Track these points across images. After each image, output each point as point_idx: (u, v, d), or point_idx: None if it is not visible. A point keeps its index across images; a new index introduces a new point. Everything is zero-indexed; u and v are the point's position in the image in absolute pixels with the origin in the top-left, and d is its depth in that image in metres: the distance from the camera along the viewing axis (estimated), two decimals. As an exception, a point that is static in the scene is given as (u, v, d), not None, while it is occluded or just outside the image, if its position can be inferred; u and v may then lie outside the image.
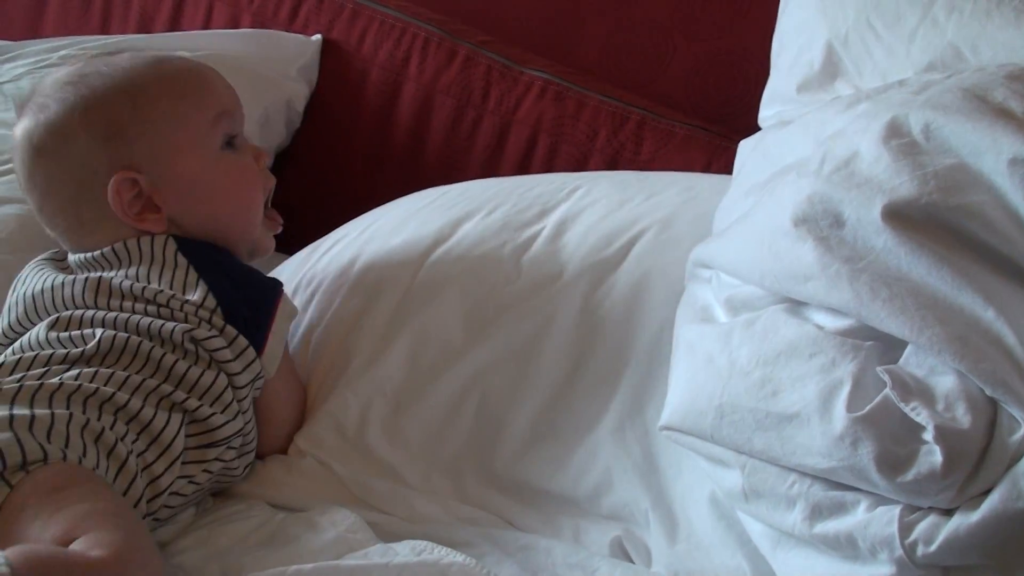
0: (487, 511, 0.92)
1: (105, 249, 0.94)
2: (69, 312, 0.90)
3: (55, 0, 1.65)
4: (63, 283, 0.92)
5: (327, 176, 1.48)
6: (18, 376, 0.82)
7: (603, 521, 0.88)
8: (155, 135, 0.95)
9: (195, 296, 0.91)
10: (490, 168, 1.40)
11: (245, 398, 0.92)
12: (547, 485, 0.91)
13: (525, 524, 0.90)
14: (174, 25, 1.58)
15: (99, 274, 0.92)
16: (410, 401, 0.97)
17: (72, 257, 0.98)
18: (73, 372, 0.82)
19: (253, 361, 0.92)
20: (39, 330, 0.89)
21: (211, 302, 0.91)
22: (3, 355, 0.89)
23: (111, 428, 0.79)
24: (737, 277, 0.77)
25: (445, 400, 0.96)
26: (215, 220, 0.98)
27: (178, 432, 0.84)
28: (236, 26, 1.54)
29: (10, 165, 1.20)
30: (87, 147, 0.94)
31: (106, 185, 0.93)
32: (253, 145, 1.04)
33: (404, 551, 0.77)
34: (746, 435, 0.70)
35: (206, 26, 1.56)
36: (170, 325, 0.88)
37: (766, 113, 1.00)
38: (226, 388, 0.90)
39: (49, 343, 0.87)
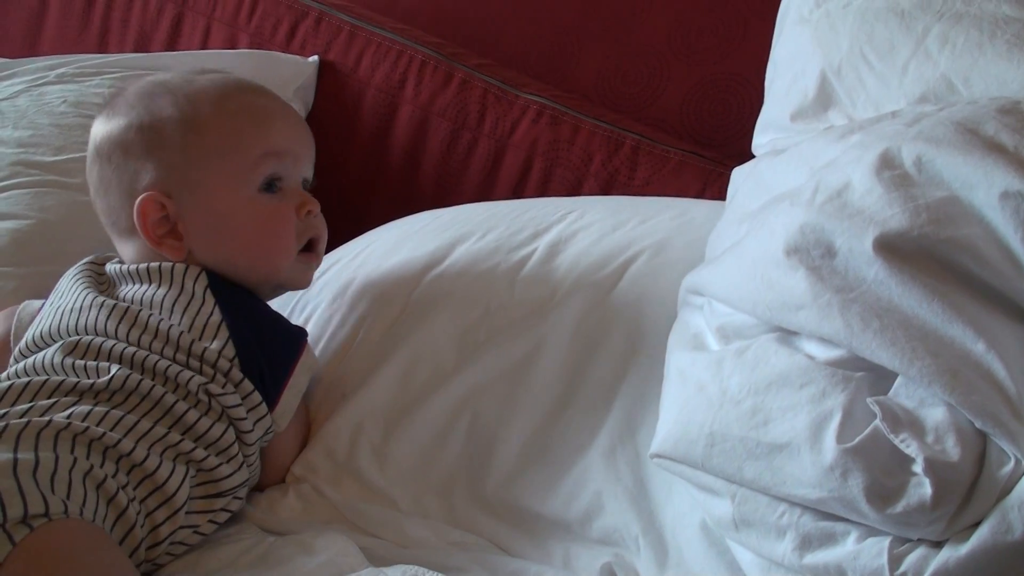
0: (478, 534, 0.91)
1: (141, 266, 0.95)
2: (90, 338, 0.89)
3: (53, 18, 1.66)
4: (91, 305, 0.92)
5: (321, 197, 1.47)
6: (25, 407, 0.80)
7: (594, 546, 0.88)
8: (194, 164, 0.95)
9: (215, 344, 0.90)
10: (485, 191, 1.40)
11: (252, 453, 0.92)
12: (538, 508, 0.91)
13: (516, 548, 0.90)
14: (171, 44, 1.58)
15: (127, 304, 0.92)
16: (400, 424, 0.97)
17: (110, 266, 0.98)
18: (81, 410, 0.81)
19: (264, 416, 0.92)
20: (53, 352, 0.88)
21: (230, 351, 0.90)
22: (14, 369, 0.89)
23: (113, 476, 0.78)
24: (729, 305, 0.78)
25: (435, 422, 0.96)
26: (233, 261, 0.97)
27: (182, 483, 0.83)
28: (233, 46, 1.55)
29: (11, 182, 1.22)
30: (137, 161, 0.95)
31: (134, 199, 0.94)
32: (303, 194, 1.01)
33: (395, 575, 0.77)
34: (736, 464, 0.70)
35: (203, 46, 1.56)
36: (187, 374, 0.87)
37: (760, 140, 1.01)
38: (235, 442, 0.89)
39: (63, 369, 0.86)
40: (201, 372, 0.88)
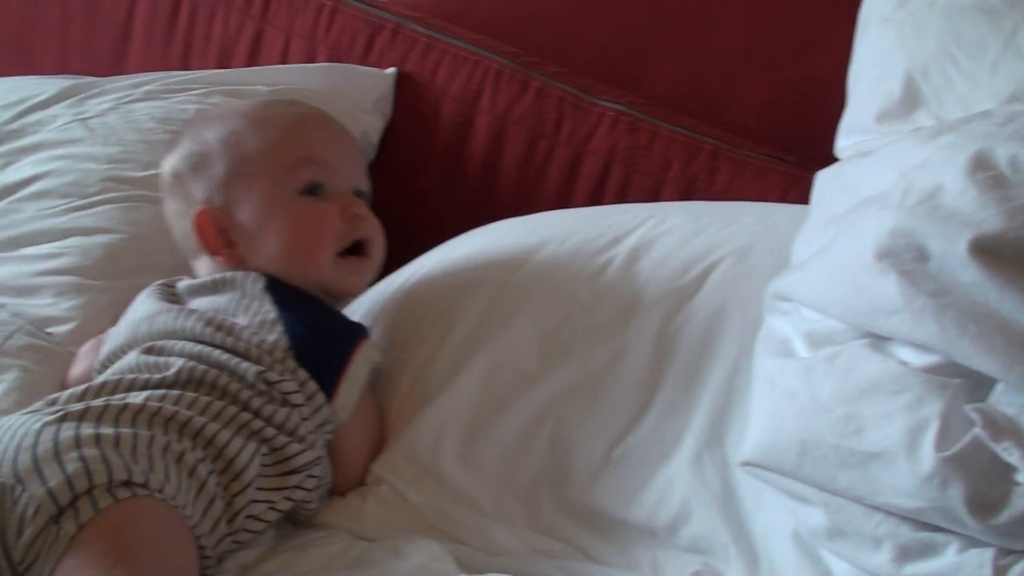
0: (562, 540, 0.91)
1: (207, 279, 1.01)
2: (161, 342, 0.93)
3: (138, 36, 1.69)
4: (160, 311, 0.97)
5: (400, 208, 1.49)
6: (104, 397, 0.84)
7: (681, 554, 0.87)
8: (237, 174, 1.01)
9: (271, 337, 0.93)
10: (562, 199, 1.40)
11: (315, 438, 0.93)
12: (623, 515, 0.90)
13: (601, 555, 0.90)
14: (252, 60, 1.60)
15: (190, 307, 0.97)
16: (484, 427, 0.98)
17: (181, 284, 1.03)
18: (155, 394, 0.85)
19: (322, 406, 0.93)
20: (132, 356, 0.93)
21: (284, 343, 0.93)
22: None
23: (191, 451, 0.81)
24: (818, 311, 0.77)
25: (519, 426, 0.97)
26: (277, 260, 1.01)
27: (252, 458, 0.85)
28: (312, 60, 1.56)
29: (102, 197, 1.25)
30: (189, 185, 1.03)
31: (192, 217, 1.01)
32: (350, 196, 1.04)
33: (488, 583, 0.77)
34: (829, 473, 0.69)
35: (283, 60, 1.58)
36: (245, 365, 0.90)
37: (844, 143, 1.00)
38: (299, 424, 0.91)
39: (138, 368, 0.90)
40: (259, 362, 0.91)
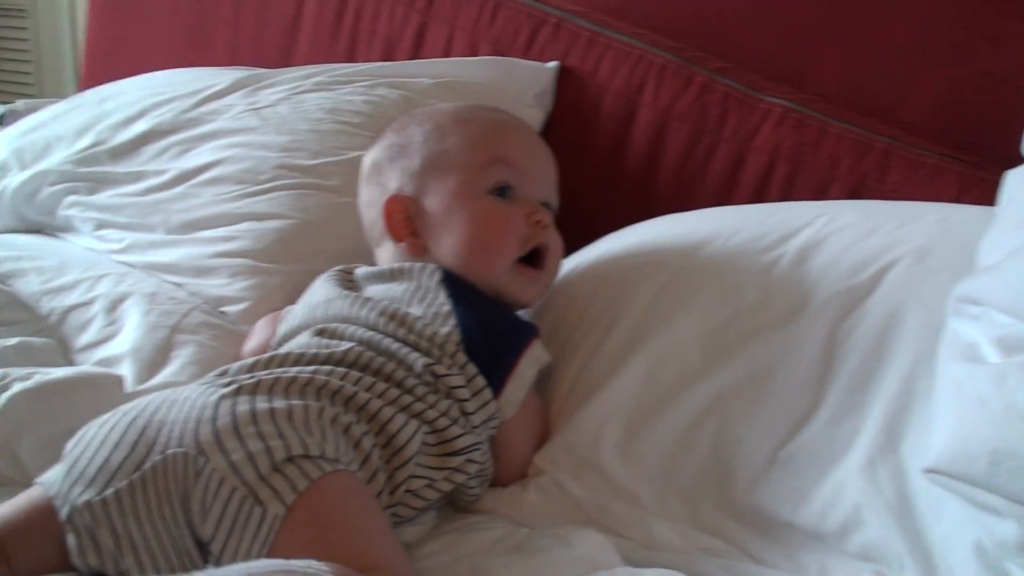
0: (725, 540, 0.90)
1: (386, 267, 1.03)
2: (335, 325, 0.96)
3: (306, 30, 1.75)
4: (337, 298, 0.99)
5: (560, 201, 1.50)
6: (272, 370, 0.87)
7: (851, 560, 0.84)
8: (432, 166, 1.04)
9: (444, 329, 0.94)
10: (724, 195, 1.38)
11: (480, 431, 0.94)
12: (789, 518, 0.88)
13: (765, 557, 0.88)
14: (416, 53, 1.63)
15: (366, 295, 0.99)
16: (646, 423, 0.97)
17: (359, 271, 1.06)
18: (323, 368, 0.87)
19: (488, 403, 0.94)
20: (304, 336, 0.96)
21: (456, 336, 0.94)
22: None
23: (356, 424, 0.83)
24: (1012, 315, 0.73)
25: (682, 423, 0.96)
26: (455, 254, 1.02)
27: (413, 436, 0.86)
28: (475, 54, 1.58)
29: (274, 184, 1.29)
30: (387, 173, 1.07)
31: (384, 202, 1.05)
32: (535, 204, 1.05)
33: (652, 577, 0.76)
34: (1024, 483, 0.66)
35: (446, 54, 1.61)
36: (414, 355, 0.92)
37: (1034, 143, 0.95)
38: (461, 415, 0.92)
39: (308, 347, 0.93)
40: (429, 354, 0.92)
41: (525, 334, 1.00)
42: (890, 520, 0.83)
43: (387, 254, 1.07)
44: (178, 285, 1.26)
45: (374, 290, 1.02)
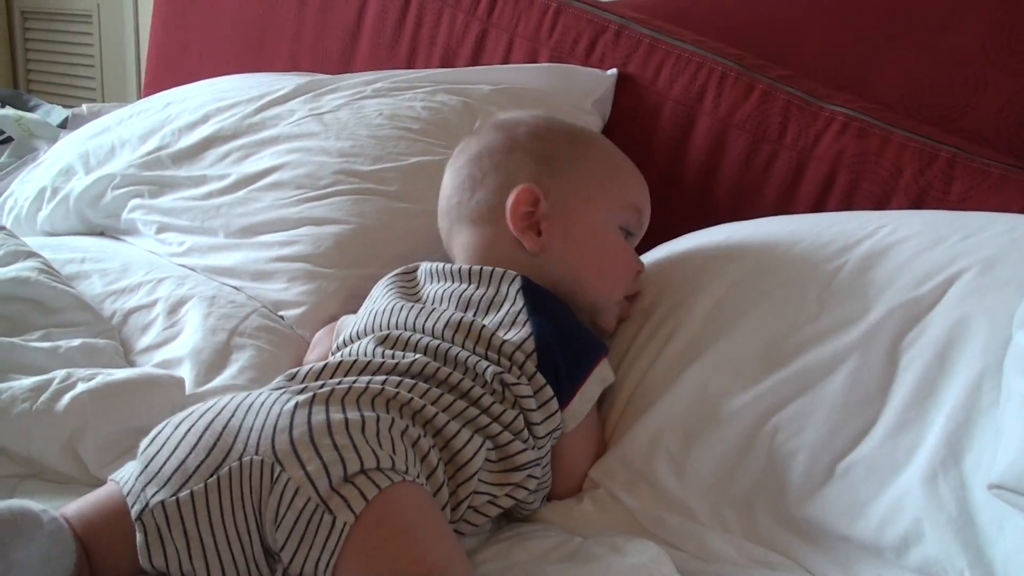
0: (780, 553, 0.89)
1: (464, 267, 1.02)
2: (399, 332, 0.96)
3: (367, 36, 1.76)
4: (400, 308, 0.99)
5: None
6: (342, 378, 0.87)
7: (910, 575, 0.83)
8: (577, 176, 1.06)
9: (517, 335, 0.94)
10: (784, 204, 1.37)
11: (543, 443, 0.94)
12: (845, 531, 0.87)
13: (822, 570, 0.87)
14: (475, 60, 1.64)
15: (433, 307, 0.98)
16: (700, 434, 0.96)
17: (427, 266, 1.06)
18: (392, 379, 0.87)
19: (554, 413, 0.94)
20: (367, 342, 0.95)
21: (529, 345, 0.94)
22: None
23: (424, 437, 0.83)
24: (1082, 329, 0.72)
25: (737, 434, 0.95)
26: (577, 273, 1.04)
27: (477, 452, 0.86)
28: (535, 60, 1.58)
29: (333, 189, 1.30)
30: (521, 159, 1.06)
31: (507, 190, 1.04)
32: (636, 255, 1.11)
33: (708, 588, 0.76)
34: (1093, 501, 0.64)
35: (506, 60, 1.61)
36: (484, 364, 0.92)
37: (1108, 153, 0.93)
38: (525, 428, 0.92)
39: (373, 355, 0.93)
40: (498, 363, 0.92)
41: (597, 350, 1.00)
42: (951, 535, 0.81)
43: (477, 239, 1.07)
44: (237, 289, 1.27)
45: (442, 289, 1.02)
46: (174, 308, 1.20)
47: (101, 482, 0.92)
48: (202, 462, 0.77)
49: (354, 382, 0.85)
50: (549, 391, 0.93)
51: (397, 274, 1.08)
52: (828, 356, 0.94)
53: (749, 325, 1.00)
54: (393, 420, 0.81)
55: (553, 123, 1.12)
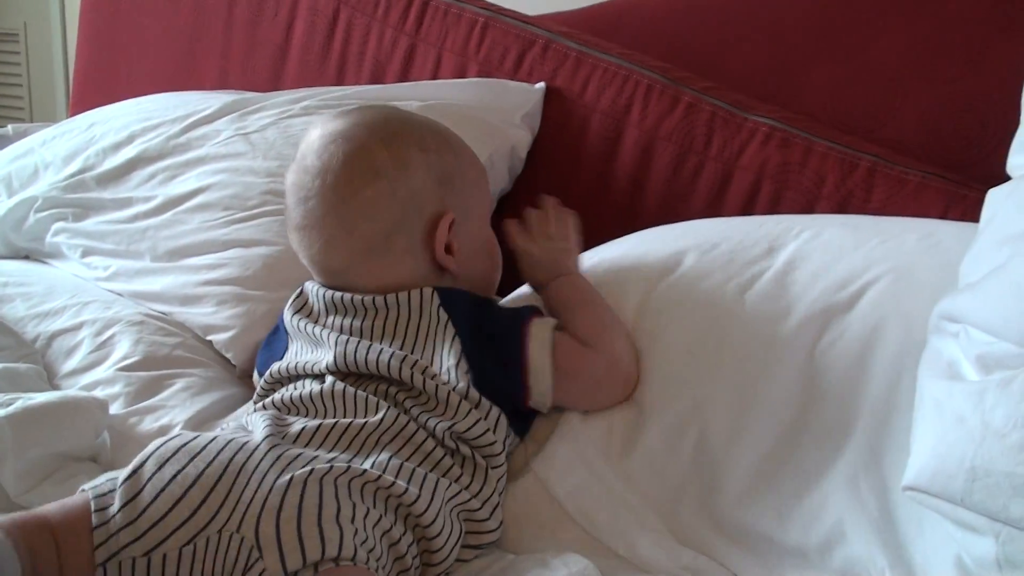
0: (707, 554, 0.89)
1: (367, 297, 0.99)
2: (357, 377, 0.95)
3: (295, 53, 1.75)
4: (345, 343, 0.96)
5: (547, 221, 1.50)
6: (337, 449, 0.86)
7: (834, 576, 0.85)
8: (468, 192, 1.07)
9: (451, 359, 0.95)
10: (710, 214, 1.38)
11: (502, 477, 0.94)
12: (771, 532, 0.88)
13: (748, 573, 0.88)
14: (405, 75, 1.64)
15: (380, 346, 0.96)
16: (633, 432, 0.97)
17: (324, 294, 1.02)
18: (380, 459, 0.85)
19: (509, 436, 0.96)
20: (332, 383, 0.94)
21: (464, 365, 0.95)
22: (280, 397, 0.95)
23: (395, 524, 0.81)
24: (990, 333, 0.73)
25: (665, 432, 0.95)
26: (483, 275, 1.10)
27: (456, 544, 0.86)
28: (463, 75, 1.59)
29: (262, 210, 1.29)
30: (423, 182, 1.02)
31: (424, 220, 1.01)
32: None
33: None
34: (1001, 501, 0.66)
35: (435, 75, 1.61)
36: (433, 421, 0.91)
37: (1016, 161, 0.95)
38: (484, 487, 0.91)
39: (332, 399, 0.92)
40: (446, 410, 0.92)
41: (517, 325, 0.99)
42: (872, 536, 0.83)
43: (384, 272, 1.01)
44: (165, 314, 1.25)
45: (349, 323, 1.00)
46: (100, 331, 1.18)
47: (23, 509, 0.90)
48: (183, 523, 0.75)
49: (350, 465, 0.82)
50: (496, 411, 0.94)
51: (299, 308, 1.05)
52: (751, 359, 0.96)
53: (674, 324, 1.01)
54: (368, 511, 0.79)
55: (422, 127, 1.06)
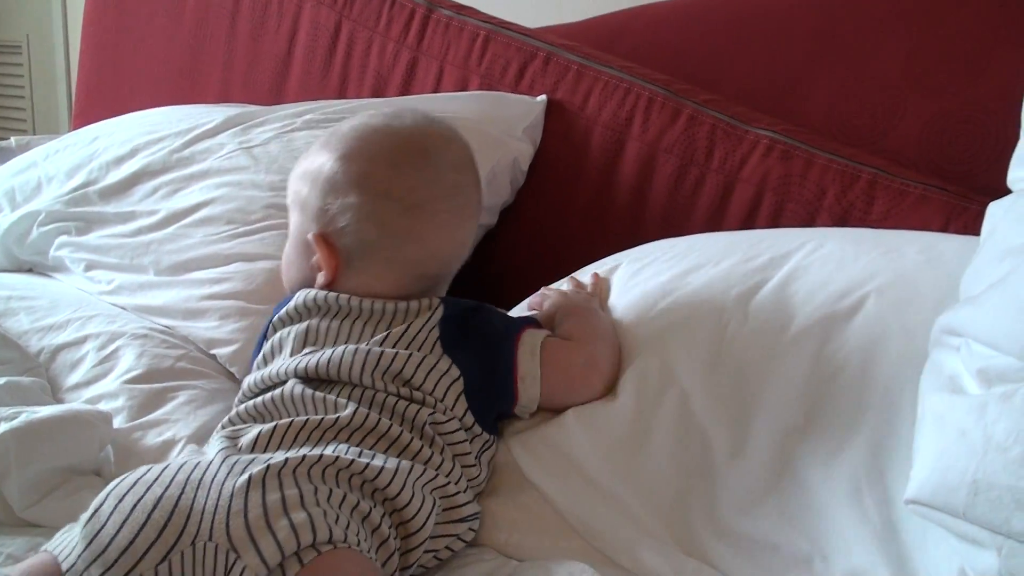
0: (710, 563, 0.89)
1: (388, 304, 1.01)
2: (331, 382, 0.95)
3: (298, 66, 1.76)
4: (343, 353, 0.96)
5: (549, 233, 1.51)
6: (294, 447, 0.87)
7: (836, 587, 0.84)
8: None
9: (442, 362, 0.96)
10: (712, 227, 1.39)
11: (478, 475, 0.95)
12: (774, 540, 0.88)
13: (750, 582, 0.88)
14: (407, 88, 1.64)
15: (367, 347, 0.96)
16: (635, 443, 0.97)
17: (343, 297, 1.01)
18: (341, 447, 0.86)
19: (488, 442, 0.97)
20: (292, 386, 0.94)
21: (455, 371, 0.96)
22: (253, 404, 0.95)
23: (375, 508, 0.82)
24: (992, 347, 0.74)
25: (668, 443, 0.96)
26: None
27: (428, 517, 0.86)
28: (465, 88, 1.59)
29: (264, 224, 1.29)
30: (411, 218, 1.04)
31: None
32: None
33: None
34: (1004, 515, 0.66)
35: (436, 88, 1.62)
36: (414, 408, 0.92)
37: (1017, 174, 0.96)
38: (461, 475, 0.93)
39: (303, 403, 0.92)
40: (431, 401, 0.93)
41: (510, 343, 1.01)
42: (875, 547, 0.83)
43: (390, 283, 1.03)
44: (168, 328, 1.26)
45: (337, 324, 1.00)
46: (104, 344, 1.19)
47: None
48: (152, 544, 0.75)
49: (308, 451, 0.83)
50: (478, 428, 0.95)
51: (288, 315, 1.05)
52: (753, 368, 0.96)
53: (679, 336, 1.01)
54: (345, 496, 0.80)
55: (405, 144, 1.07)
